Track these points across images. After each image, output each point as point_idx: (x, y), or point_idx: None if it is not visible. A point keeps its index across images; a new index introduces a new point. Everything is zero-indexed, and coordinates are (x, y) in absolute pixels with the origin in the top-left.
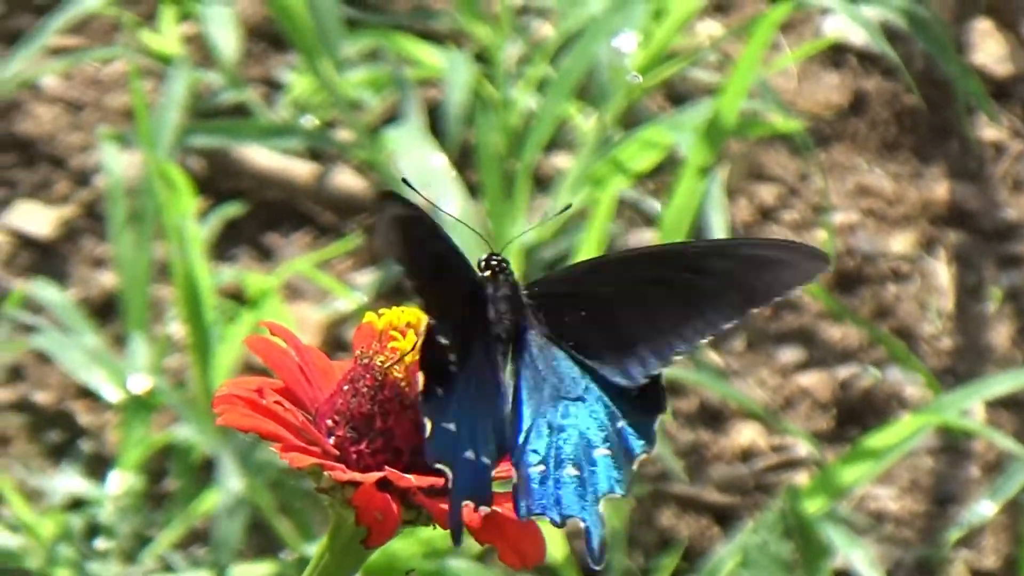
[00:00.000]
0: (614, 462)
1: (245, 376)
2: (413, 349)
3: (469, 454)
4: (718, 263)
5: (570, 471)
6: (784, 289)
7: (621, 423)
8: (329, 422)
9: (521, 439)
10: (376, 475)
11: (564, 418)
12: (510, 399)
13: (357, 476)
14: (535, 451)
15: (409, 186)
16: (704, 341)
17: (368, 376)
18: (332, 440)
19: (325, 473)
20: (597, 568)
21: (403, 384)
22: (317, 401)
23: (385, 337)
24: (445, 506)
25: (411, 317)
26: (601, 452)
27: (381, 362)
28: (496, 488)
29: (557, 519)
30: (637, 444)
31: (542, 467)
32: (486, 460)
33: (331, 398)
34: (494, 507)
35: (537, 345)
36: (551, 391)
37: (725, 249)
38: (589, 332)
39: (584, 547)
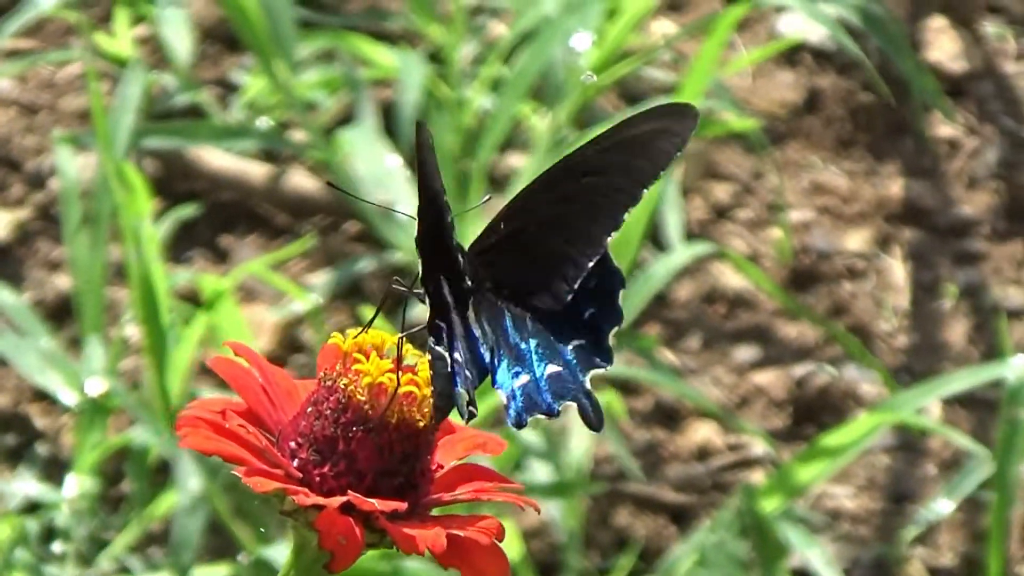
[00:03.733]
0: (591, 351)
1: (203, 399)
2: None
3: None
4: (607, 158)
5: (551, 368)
6: (666, 159)
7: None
8: (292, 444)
9: (497, 367)
10: (339, 499)
11: (529, 340)
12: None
13: (320, 500)
14: (514, 371)
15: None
16: (610, 238)
17: (331, 399)
18: (295, 463)
19: (288, 497)
20: (598, 430)
21: (366, 407)
22: (281, 423)
23: (349, 359)
24: (408, 530)
25: (375, 339)
26: (575, 344)
27: (344, 385)
28: (458, 511)
29: (552, 411)
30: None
31: (524, 377)
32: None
33: (294, 420)
34: (458, 531)
35: (487, 302)
36: (504, 337)
37: (608, 141)
38: (519, 271)
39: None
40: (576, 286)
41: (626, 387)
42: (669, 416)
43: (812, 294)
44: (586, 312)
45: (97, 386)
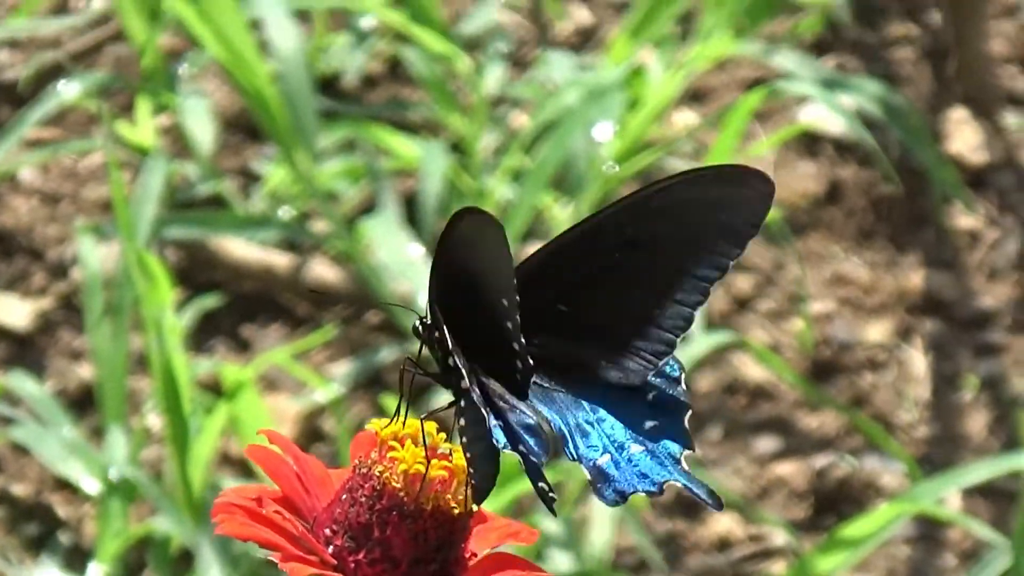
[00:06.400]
0: (668, 434)
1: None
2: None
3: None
4: (663, 224)
5: (635, 448)
6: (750, 227)
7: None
8: (327, 531)
9: (570, 443)
10: None
11: (596, 420)
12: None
13: None
14: (591, 446)
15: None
16: (699, 307)
17: (367, 486)
18: (330, 549)
19: None
20: (720, 509)
21: (402, 494)
22: (315, 510)
23: (385, 447)
24: None
25: (410, 428)
26: (649, 426)
27: (380, 472)
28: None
29: (654, 488)
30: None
31: (607, 455)
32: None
33: (329, 507)
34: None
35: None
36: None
37: (651, 206)
38: (568, 346)
39: (698, 500)
40: (661, 363)
41: None
42: (690, 507)
43: (833, 385)
44: (649, 394)
45: (119, 475)
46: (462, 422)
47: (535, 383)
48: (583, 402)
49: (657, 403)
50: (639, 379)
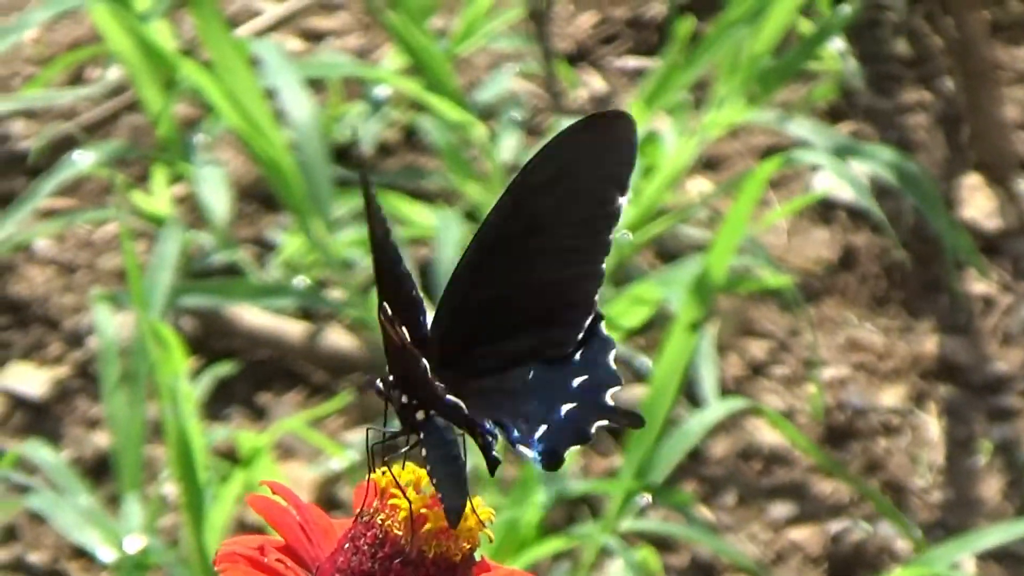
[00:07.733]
0: (598, 381)
1: (240, 535)
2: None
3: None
4: (549, 197)
5: (567, 406)
6: (624, 169)
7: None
8: None
9: (512, 432)
10: None
11: (532, 399)
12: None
13: None
14: (531, 425)
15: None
16: (604, 265)
17: (369, 534)
18: None
19: None
20: (641, 426)
21: (403, 542)
22: (318, 559)
23: (386, 495)
24: None
25: (411, 475)
26: (580, 381)
27: (381, 520)
28: None
29: (583, 435)
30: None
31: (544, 425)
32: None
33: (332, 556)
34: None
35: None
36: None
37: (535, 180)
38: (495, 334)
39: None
40: (587, 323)
41: (663, 544)
42: (705, 572)
43: (847, 451)
44: (576, 353)
45: (135, 543)
46: (424, 452)
47: (478, 387)
48: (519, 385)
49: (585, 357)
50: (568, 346)
